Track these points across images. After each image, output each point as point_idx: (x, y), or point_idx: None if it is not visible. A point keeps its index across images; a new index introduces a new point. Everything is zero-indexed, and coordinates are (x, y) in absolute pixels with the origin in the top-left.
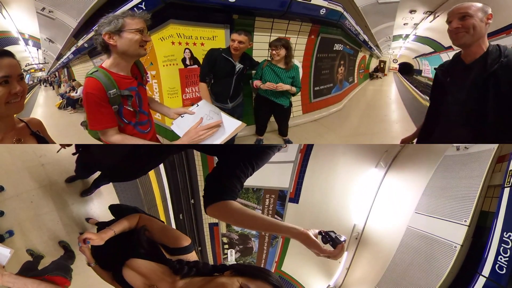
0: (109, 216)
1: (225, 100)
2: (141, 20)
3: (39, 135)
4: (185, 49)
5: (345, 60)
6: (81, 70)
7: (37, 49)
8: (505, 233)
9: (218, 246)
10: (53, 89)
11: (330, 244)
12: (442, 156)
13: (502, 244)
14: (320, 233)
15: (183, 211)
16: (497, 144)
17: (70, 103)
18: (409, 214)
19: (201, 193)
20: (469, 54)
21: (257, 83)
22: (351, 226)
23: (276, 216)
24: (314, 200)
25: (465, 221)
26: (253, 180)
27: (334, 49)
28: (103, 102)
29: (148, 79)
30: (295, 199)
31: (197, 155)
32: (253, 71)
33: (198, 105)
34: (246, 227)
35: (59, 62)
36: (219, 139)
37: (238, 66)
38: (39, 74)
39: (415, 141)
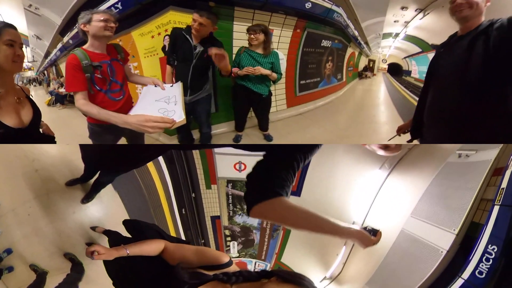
0: (114, 220)
1: (184, 91)
2: (105, 14)
3: (32, 100)
4: (165, 36)
5: (333, 55)
6: None
7: (26, 47)
8: (490, 245)
9: (220, 239)
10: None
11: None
12: (444, 162)
13: (486, 254)
14: None
15: (185, 206)
16: (495, 154)
17: (58, 100)
18: (405, 218)
19: (202, 186)
20: (465, 28)
21: (234, 70)
22: (350, 223)
23: None
24: (316, 194)
25: (454, 230)
26: None
27: (322, 45)
28: (77, 69)
29: (128, 59)
30: (297, 192)
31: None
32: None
33: (172, 86)
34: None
35: (47, 60)
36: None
37: (198, 48)
38: (28, 74)
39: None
